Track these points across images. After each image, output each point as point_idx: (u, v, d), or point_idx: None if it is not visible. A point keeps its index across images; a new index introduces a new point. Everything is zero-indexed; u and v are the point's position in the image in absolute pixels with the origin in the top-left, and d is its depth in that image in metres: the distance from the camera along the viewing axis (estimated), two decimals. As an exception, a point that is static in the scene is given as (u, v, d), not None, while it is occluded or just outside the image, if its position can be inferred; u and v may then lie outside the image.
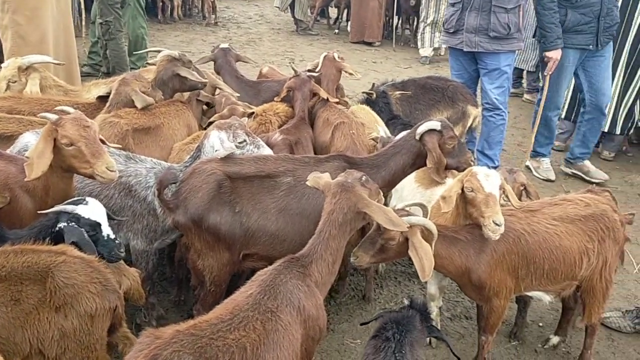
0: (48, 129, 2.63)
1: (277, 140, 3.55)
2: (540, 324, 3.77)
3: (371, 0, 10.97)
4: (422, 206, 2.99)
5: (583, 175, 5.91)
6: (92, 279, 2.33)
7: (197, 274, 3.02)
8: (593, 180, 5.73)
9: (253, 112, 3.97)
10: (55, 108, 2.87)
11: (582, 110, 5.83)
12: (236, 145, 3.00)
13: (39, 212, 2.64)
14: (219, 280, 2.92)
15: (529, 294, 3.17)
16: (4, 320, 2.24)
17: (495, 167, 5.61)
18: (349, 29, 11.91)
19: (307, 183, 2.61)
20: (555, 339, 3.53)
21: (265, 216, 2.91)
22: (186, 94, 4.18)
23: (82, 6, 7.46)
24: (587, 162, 5.95)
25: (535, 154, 6.00)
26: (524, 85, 8.76)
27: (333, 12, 13.25)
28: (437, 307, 3.50)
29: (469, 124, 5.25)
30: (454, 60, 5.58)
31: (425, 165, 3.22)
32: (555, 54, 5.24)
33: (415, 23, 11.29)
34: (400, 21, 11.98)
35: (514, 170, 3.41)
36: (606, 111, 5.71)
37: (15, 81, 3.90)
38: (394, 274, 4.23)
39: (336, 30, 12.35)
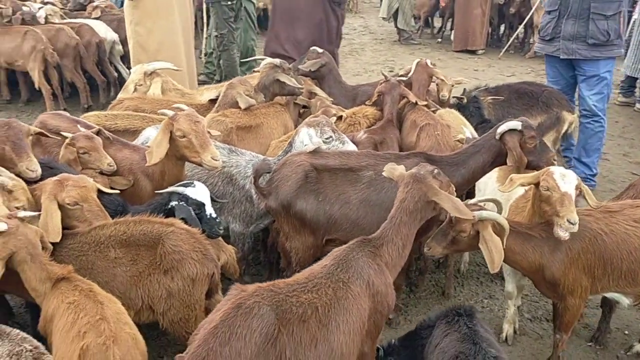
0: (166, 123, 3.11)
1: (362, 139, 3.82)
2: (626, 332, 3.69)
3: (475, 8, 10.93)
4: (496, 202, 3.11)
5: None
6: (195, 248, 2.73)
7: (285, 256, 3.37)
8: None
9: (342, 115, 4.26)
10: (172, 106, 3.36)
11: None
12: (323, 141, 3.32)
13: (155, 192, 3.12)
14: (303, 262, 3.24)
15: (607, 295, 3.16)
16: (122, 278, 2.70)
17: (593, 176, 5.49)
18: (452, 37, 11.93)
19: (383, 173, 2.85)
20: (639, 347, 3.46)
21: (347, 205, 3.20)
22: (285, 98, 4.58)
23: (205, 20, 8.20)
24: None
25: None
26: (637, 94, 8.32)
27: (438, 21, 13.30)
28: (514, 306, 3.57)
29: (563, 130, 5.18)
30: (550, 68, 5.54)
31: (505, 164, 3.34)
32: None
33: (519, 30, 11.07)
34: (506, 29, 11.80)
35: None
36: None
37: (141, 84, 4.54)
38: (476, 274, 4.32)
39: (439, 39, 12.41)
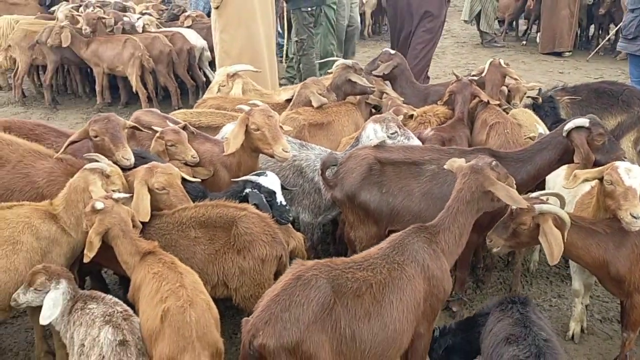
0: (242, 117, 3.41)
1: (429, 135, 3.93)
2: None
3: (562, 8, 10.59)
4: (559, 196, 3.13)
5: None
6: (265, 231, 2.99)
7: (350, 245, 3.56)
8: None
9: (413, 114, 4.39)
10: (248, 102, 3.65)
11: None
12: (388, 136, 3.48)
13: (232, 180, 3.41)
14: (367, 251, 3.41)
15: (678, 295, 3.08)
16: (201, 256, 3.01)
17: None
18: (537, 40, 11.61)
19: (444, 167, 2.97)
20: None
21: (409, 198, 3.34)
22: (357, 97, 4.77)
23: (285, 27, 8.57)
24: None
25: None
26: None
27: (523, 24, 12.98)
28: (581, 304, 3.54)
29: (645, 130, 4.99)
30: (634, 67, 5.38)
31: (572, 161, 3.34)
32: None
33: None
34: (595, 30, 11.33)
35: None
36: None
37: (224, 85, 4.91)
38: (546, 274, 4.28)
39: (524, 42, 12.10)
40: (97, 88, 7.46)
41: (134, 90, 7.22)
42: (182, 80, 7.61)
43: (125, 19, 7.63)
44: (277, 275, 3.11)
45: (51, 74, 7.56)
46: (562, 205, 3.12)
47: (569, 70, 10.09)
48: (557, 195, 3.17)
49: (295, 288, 2.24)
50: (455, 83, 4.62)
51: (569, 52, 10.90)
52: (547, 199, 3.16)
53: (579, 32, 11.40)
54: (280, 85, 7.73)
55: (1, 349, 3.46)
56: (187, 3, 10.86)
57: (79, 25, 7.25)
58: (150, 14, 8.45)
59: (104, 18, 7.38)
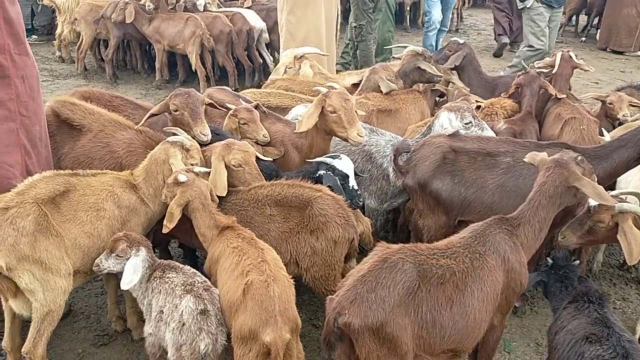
0: (319, 98, 3.42)
1: (501, 129, 3.87)
2: None
3: (626, 6, 10.24)
4: (639, 195, 3.05)
5: None
6: (339, 213, 3.00)
7: (416, 233, 3.55)
8: None
9: (480, 105, 4.33)
10: (326, 84, 3.66)
11: None
12: (462, 126, 3.44)
13: (306, 160, 3.43)
14: (434, 240, 3.37)
15: None
16: (275, 234, 3.04)
17: None
18: (597, 36, 11.26)
19: (525, 159, 2.93)
20: None
21: (482, 189, 3.30)
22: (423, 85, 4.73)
23: (339, 13, 8.52)
24: None
25: None
26: None
27: (583, 19, 12.60)
28: (651, 309, 3.46)
29: None
30: None
31: (653, 161, 3.24)
32: None
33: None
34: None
35: None
36: None
37: (291, 67, 4.92)
38: (609, 276, 4.19)
39: (583, 38, 11.75)
40: (157, 65, 7.58)
41: (192, 68, 7.30)
42: (239, 60, 7.66)
43: (187, -3, 7.72)
44: (346, 258, 3.14)
45: (114, 48, 7.73)
46: (643, 206, 3.04)
47: (630, 69, 9.76)
48: (637, 194, 3.09)
49: (381, 270, 2.25)
50: (523, 75, 4.53)
51: (631, 51, 10.51)
52: (626, 198, 3.09)
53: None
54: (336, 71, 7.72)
55: (73, 312, 3.60)
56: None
57: (142, 2, 7.37)
58: (211, -6, 8.51)
59: (167, -4, 7.49)
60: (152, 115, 3.47)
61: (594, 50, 10.92)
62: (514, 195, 3.23)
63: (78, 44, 8.04)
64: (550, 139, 4.12)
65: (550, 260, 2.92)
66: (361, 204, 3.33)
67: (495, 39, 10.80)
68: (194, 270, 2.77)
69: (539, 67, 4.85)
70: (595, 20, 11.79)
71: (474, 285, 2.38)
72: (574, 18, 12.35)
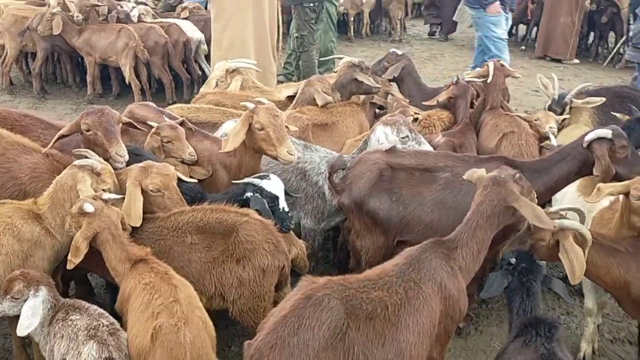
0: (246, 114, 3.19)
1: (440, 142, 3.74)
2: None
3: (562, 15, 10.49)
4: (579, 212, 2.94)
5: None
6: (268, 239, 2.77)
7: (355, 254, 3.35)
8: None
9: (418, 117, 4.20)
10: (254, 99, 3.43)
11: None
12: (399, 140, 3.28)
13: (232, 181, 3.19)
14: (373, 262, 3.18)
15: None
16: (197, 264, 2.78)
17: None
18: (535, 45, 11.51)
19: (464, 177, 2.78)
20: None
21: (421, 207, 3.13)
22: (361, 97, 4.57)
23: (280, 22, 8.33)
24: None
25: None
26: None
27: (522, 29, 12.87)
28: (594, 324, 3.36)
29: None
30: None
31: (591, 173, 3.17)
32: None
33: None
34: (595, 38, 11.23)
35: None
36: None
37: (223, 80, 4.67)
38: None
39: (522, 47, 11.99)
40: (88, 78, 7.19)
41: (126, 81, 6.95)
42: (176, 73, 7.35)
43: (119, 7, 7.37)
44: (277, 286, 2.91)
45: (41, 62, 7.27)
46: (582, 221, 2.94)
47: (568, 77, 9.96)
48: (576, 210, 2.99)
49: (305, 309, 2.02)
50: (454, 86, 4.43)
51: (576, 60, 10.74)
52: (566, 214, 2.98)
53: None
54: (278, 82, 7.51)
55: (-23, 355, 3.22)
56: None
57: (71, 13, 6.98)
58: (145, 4, 8.18)
59: (97, 6, 7.10)
60: (62, 136, 3.16)
61: (534, 58, 11.13)
62: (453, 213, 3.08)
63: (2, 57, 7.55)
64: (487, 151, 4.03)
65: (513, 260, 2.70)
66: (292, 226, 3.10)
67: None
68: (101, 311, 2.48)
69: (471, 77, 4.75)
70: (534, 30, 12.05)
71: (408, 318, 2.19)
72: (514, 28, 12.61)
